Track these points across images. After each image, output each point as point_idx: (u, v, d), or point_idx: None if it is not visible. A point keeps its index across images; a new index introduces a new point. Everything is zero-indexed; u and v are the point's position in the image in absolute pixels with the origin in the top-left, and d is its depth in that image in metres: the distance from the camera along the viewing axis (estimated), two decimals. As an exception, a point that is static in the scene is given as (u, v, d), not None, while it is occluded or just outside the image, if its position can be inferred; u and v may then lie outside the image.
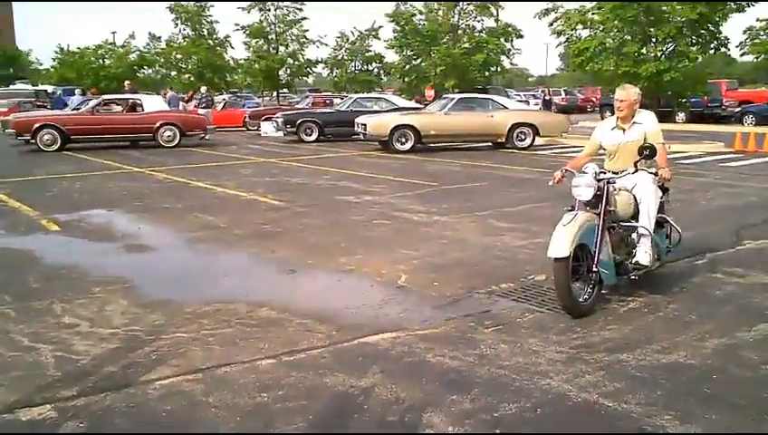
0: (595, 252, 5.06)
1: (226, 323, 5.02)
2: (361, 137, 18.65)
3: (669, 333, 4.69)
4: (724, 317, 5.03)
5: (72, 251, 7.47)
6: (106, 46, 44.60)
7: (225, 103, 31.58)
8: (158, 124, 19.53)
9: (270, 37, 36.66)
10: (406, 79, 33.71)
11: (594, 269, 5.07)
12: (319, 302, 5.54)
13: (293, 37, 36.42)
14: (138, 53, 43.31)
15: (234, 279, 6.35)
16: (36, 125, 18.79)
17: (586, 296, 5.10)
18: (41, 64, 63.75)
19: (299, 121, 21.73)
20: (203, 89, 29.57)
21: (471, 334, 4.71)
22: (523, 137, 18.56)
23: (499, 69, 30.38)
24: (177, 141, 19.71)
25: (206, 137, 21.12)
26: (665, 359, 4.23)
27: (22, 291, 5.88)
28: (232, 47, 38.16)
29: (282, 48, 36.36)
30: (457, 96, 19.16)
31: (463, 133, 18.38)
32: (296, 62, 36.21)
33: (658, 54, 18.30)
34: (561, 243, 4.88)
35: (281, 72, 36.10)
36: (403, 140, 17.95)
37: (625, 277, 5.51)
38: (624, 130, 5.70)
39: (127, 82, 26.57)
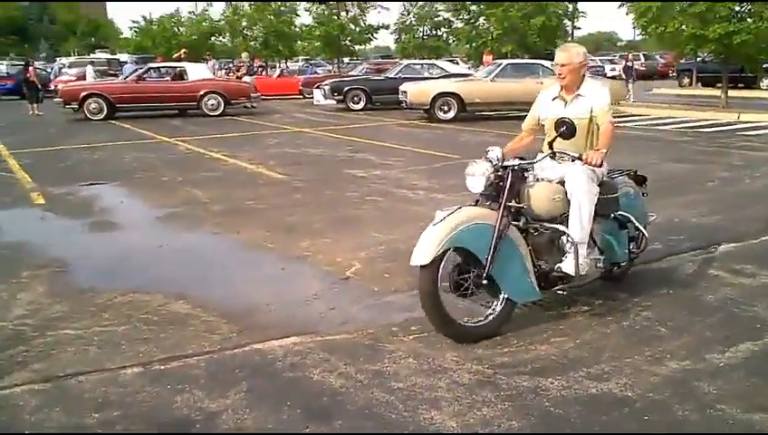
0: (486, 259, 3.89)
1: (126, 319, 4.45)
2: (404, 106, 17.82)
3: (622, 351, 3.81)
4: (702, 331, 4.08)
5: (35, 228, 7.10)
6: (179, 16, 44.98)
7: (281, 71, 31.16)
8: (201, 93, 19.26)
9: (330, 2, 35.88)
10: (473, 44, 32.38)
11: (483, 282, 3.91)
12: (243, 295, 4.90)
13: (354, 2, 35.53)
14: (209, 21, 43.49)
15: (170, 265, 5.79)
16: (83, 94, 18.84)
17: (481, 318, 4.02)
18: (121, 34, 65.37)
19: (346, 89, 21.04)
20: (244, 55, 29.12)
21: (383, 344, 3.96)
22: (574, 105, 17.24)
23: (560, 33, 28.49)
24: (221, 110, 19.40)
25: (253, 105, 20.75)
26: (596, 388, 3.38)
27: (-53, 273, 5.50)
28: (297, 14, 37.66)
29: (342, 14, 35.55)
30: (505, 61, 18.03)
31: (510, 101, 17.24)
32: (357, 28, 35.37)
33: (729, 14, 16.53)
34: (423, 247, 3.82)
35: (342, 39, 35.27)
36: (446, 108, 17.02)
37: (559, 292, 4.29)
38: (566, 102, 4.44)
39: (183, 51, 26.44)
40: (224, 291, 5.03)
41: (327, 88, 21.40)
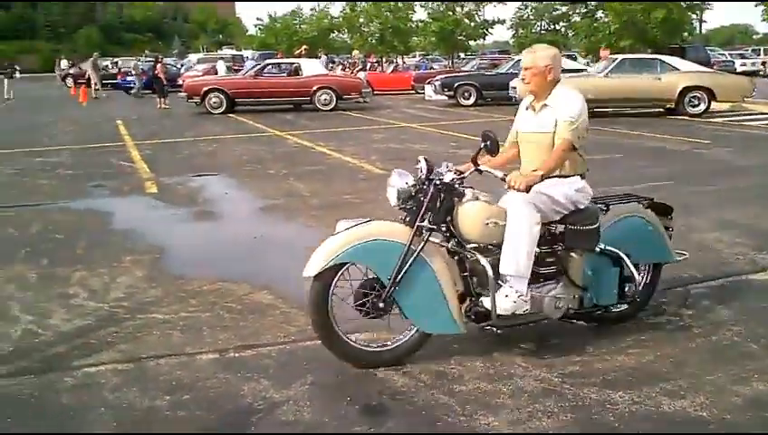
0: (389, 281, 3.52)
1: (211, 307, 4.62)
2: (513, 101, 17.49)
3: (704, 367, 3.56)
4: (800, 350, 3.77)
5: (144, 216, 7.48)
6: (300, 13, 46.24)
7: (394, 66, 31.33)
8: (314, 88, 19.66)
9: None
10: (591, 39, 31.34)
11: (380, 305, 3.56)
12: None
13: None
14: (329, 18, 44.47)
15: (261, 256, 5.94)
16: (204, 89, 19.68)
17: (387, 343, 3.69)
18: (247, 31, 67.87)
19: (456, 85, 20.89)
20: (355, 53, 29.46)
21: (453, 344, 3.88)
22: (695, 102, 16.34)
23: (687, 27, 26.98)
24: (333, 105, 19.74)
25: (365, 100, 20.99)
26: (669, 405, 3.17)
27: (62, 256, 5.88)
28: (413, 10, 37.70)
29: (457, 9, 35.24)
30: (620, 57, 17.29)
31: (626, 97, 16.56)
32: (472, 23, 35.01)
33: None
34: (315, 258, 3.52)
35: (457, 34, 34.99)
36: (556, 105, 16.53)
37: (486, 329, 3.71)
38: (535, 111, 3.81)
39: (303, 47, 27.12)
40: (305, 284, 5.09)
41: (438, 83, 21.34)
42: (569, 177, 3.73)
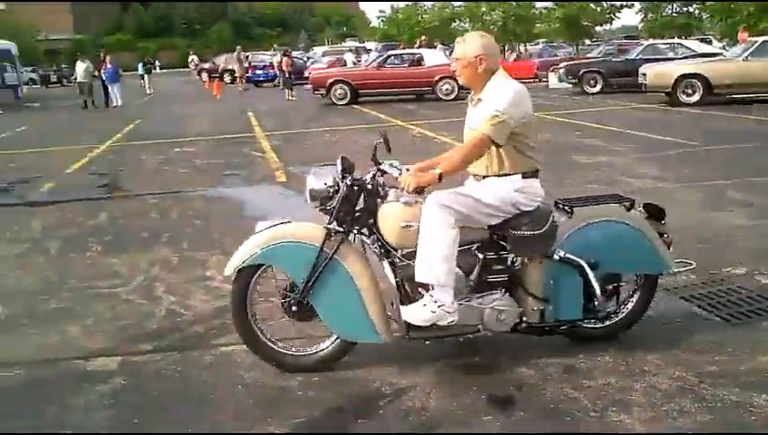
0: (302, 282, 3.42)
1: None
2: (643, 89, 16.73)
3: None
4: None
5: (273, 203, 7.75)
6: (422, 4, 46.33)
7: (517, 55, 30.71)
8: (436, 78, 19.64)
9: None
10: (728, 20, 29.46)
11: (293, 308, 3.48)
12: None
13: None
14: (450, 8, 44.30)
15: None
16: (330, 80, 20.12)
17: (309, 350, 3.59)
18: (370, 23, 68.69)
19: (581, 72, 20.25)
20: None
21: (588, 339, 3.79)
22: None
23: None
24: (454, 94, 19.64)
25: (486, 89, 20.71)
26: (820, 411, 2.95)
27: (200, 241, 6.20)
28: (538, -3, 36.87)
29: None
30: (761, 39, 16.10)
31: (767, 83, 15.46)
32: (598, 8, 33.76)
33: None
34: (233, 257, 3.49)
35: (582, 19, 33.84)
36: (689, 91, 15.66)
37: (412, 338, 3.46)
38: (474, 105, 3.52)
39: (422, 38, 27.11)
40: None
41: (562, 71, 20.79)
42: (508, 175, 3.38)
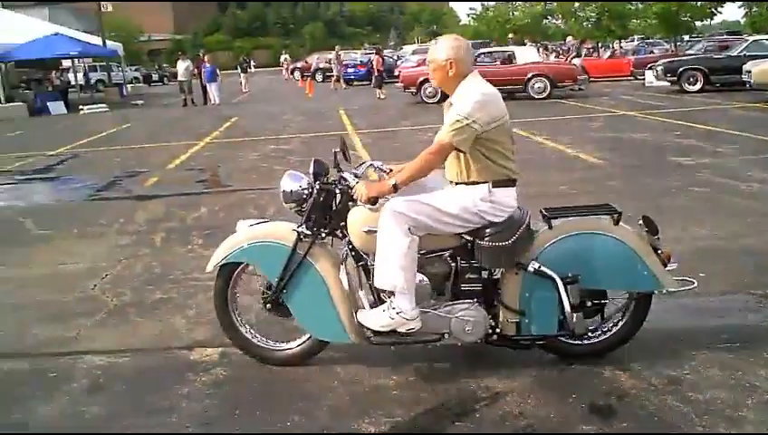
0: (276, 281, 3.50)
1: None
2: (747, 87, 15.94)
3: None
4: None
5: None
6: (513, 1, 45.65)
7: (612, 52, 29.80)
8: (528, 76, 19.32)
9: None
10: None
11: (267, 306, 3.59)
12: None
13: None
14: (542, 4, 43.48)
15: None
16: (420, 79, 20.07)
17: (291, 345, 3.68)
18: (459, 21, 68.28)
19: (680, 69, 19.44)
20: (568, 39, 28.17)
21: (687, 349, 3.61)
22: None
23: None
24: (547, 93, 19.27)
25: (580, 87, 20.25)
26: None
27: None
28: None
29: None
30: None
31: None
32: (698, 2, 32.24)
33: None
34: (214, 255, 3.60)
35: (681, 14, 32.40)
36: (799, 89, 14.84)
37: (373, 343, 3.50)
38: (447, 110, 3.43)
39: (510, 36, 26.72)
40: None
41: (660, 68, 19.99)
42: (476, 184, 3.27)
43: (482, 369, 3.52)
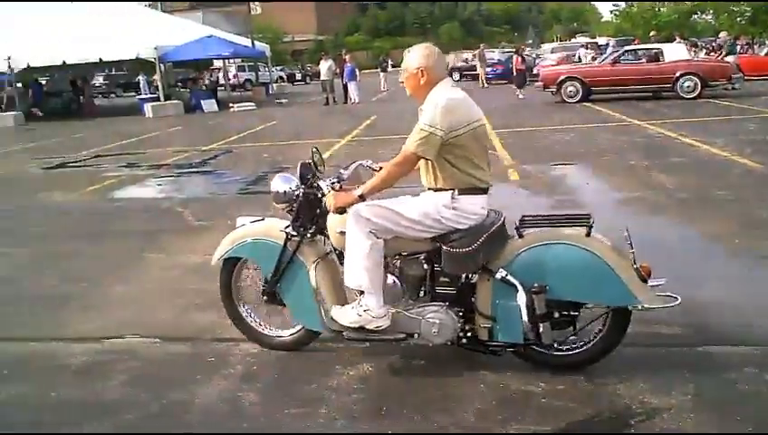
0: (270, 275, 3.78)
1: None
2: None
3: None
4: None
5: (509, 202, 7.63)
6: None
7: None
8: (677, 74, 18.27)
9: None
10: None
11: (263, 298, 3.85)
12: (707, 292, 4.53)
13: None
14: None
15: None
16: (561, 77, 19.56)
17: (290, 332, 3.95)
18: (602, 17, 65.86)
19: None
20: (722, 35, 26.22)
21: None
22: None
23: None
24: (697, 92, 18.15)
25: (734, 86, 18.94)
26: None
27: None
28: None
29: None
30: None
31: None
32: None
33: None
34: (217, 250, 3.95)
35: None
36: None
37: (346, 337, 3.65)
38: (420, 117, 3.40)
39: (652, 33, 25.41)
40: (682, 286, 4.74)
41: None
42: (440, 191, 3.34)
43: (632, 381, 3.35)
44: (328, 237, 3.66)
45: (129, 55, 26.66)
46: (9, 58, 24.92)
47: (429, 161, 3.33)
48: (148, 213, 8.33)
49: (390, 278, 3.51)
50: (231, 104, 25.74)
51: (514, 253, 3.35)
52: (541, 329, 3.28)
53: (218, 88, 31.71)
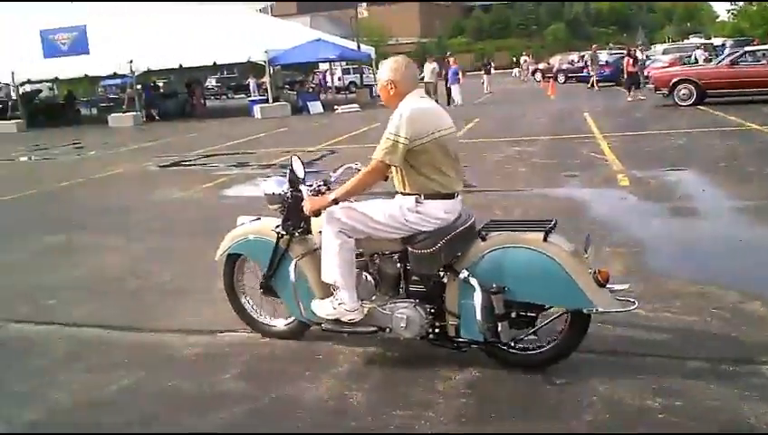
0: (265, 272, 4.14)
1: (697, 310, 4.30)
2: None
3: None
4: None
5: (618, 208, 7.41)
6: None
7: None
8: (804, 77, 17.13)
9: None
10: None
11: (259, 290, 4.21)
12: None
13: None
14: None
15: (748, 261, 5.32)
16: (674, 80, 18.73)
17: (284, 322, 4.29)
18: (717, 17, 62.69)
19: None
20: None
21: None
22: None
23: None
24: (827, 96, 16.97)
25: None
26: None
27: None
28: None
29: None
30: None
31: None
32: None
33: None
34: (220, 247, 4.34)
35: None
36: None
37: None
38: None
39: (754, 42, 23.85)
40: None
41: None
42: (406, 195, 3.55)
43: (758, 401, 3.14)
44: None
45: (241, 59, 27.66)
46: (131, 62, 26.39)
47: (398, 167, 3.52)
48: (258, 211, 8.54)
49: (365, 275, 3.80)
50: (336, 106, 26.20)
51: (478, 255, 3.53)
52: (500, 328, 3.43)
53: (323, 90, 32.34)
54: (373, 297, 3.81)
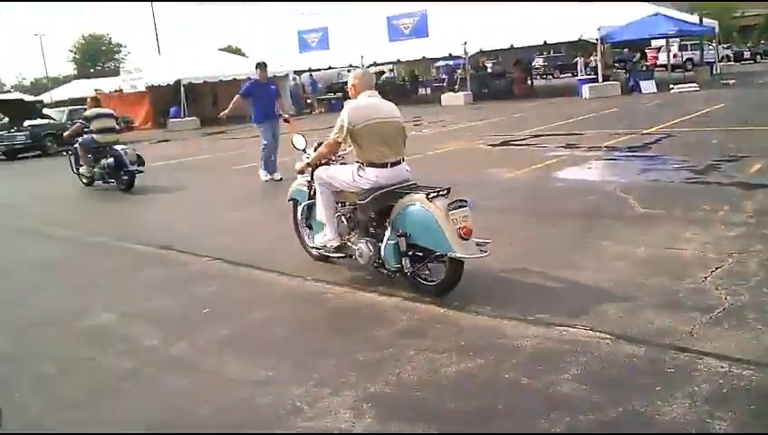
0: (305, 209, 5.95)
1: None
2: None
3: None
4: None
5: None
6: None
7: None
8: None
9: None
10: None
11: (304, 224, 6.04)
12: None
13: None
14: None
15: None
16: None
17: (317, 245, 5.72)
18: None
19: None
20: None
21: None
22: None
23: None
24: None
25: None
26: None
27: None
28: None
29: None
30: None
31: None
32: None
33: None
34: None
35: None
36: None
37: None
38: None
39: None
40: None
41: None
42: (357, 163, 5.09)
43: None
44: None
45: (571, 37, 26.81)
46: (465, 43, 27.17)
47: (355, 142, 5.05)
48: (590, 196, 8.07)
49: (343, 219, 5.42)
50: (671, 85, 24.06)
51: (398, 209, 4.83)
52: (404, 261, 4.82)
53: (657, 68, 29.92)
54: (347, 236, 5.38)
